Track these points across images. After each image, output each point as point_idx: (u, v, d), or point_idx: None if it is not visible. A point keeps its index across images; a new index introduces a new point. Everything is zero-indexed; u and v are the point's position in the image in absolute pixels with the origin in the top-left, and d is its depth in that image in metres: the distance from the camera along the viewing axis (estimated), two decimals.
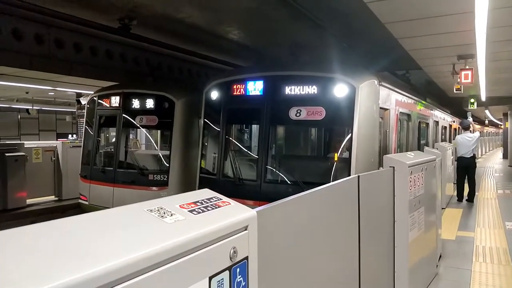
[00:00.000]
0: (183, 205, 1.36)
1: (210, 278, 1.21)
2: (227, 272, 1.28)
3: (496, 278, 4.76)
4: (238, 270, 1.34)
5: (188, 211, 1.32)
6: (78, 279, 0.81)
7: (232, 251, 1.31)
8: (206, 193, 1.56)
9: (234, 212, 1.45)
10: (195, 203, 1.41)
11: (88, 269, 0.84)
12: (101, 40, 9.70)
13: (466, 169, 9.78)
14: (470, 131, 10.18)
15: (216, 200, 1.50)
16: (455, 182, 10.63)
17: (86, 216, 1.10)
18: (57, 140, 17.33)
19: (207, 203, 1.45)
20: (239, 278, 1.35)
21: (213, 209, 1.41)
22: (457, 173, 10.04)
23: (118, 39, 9.46)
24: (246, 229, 1.42)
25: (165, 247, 1.04)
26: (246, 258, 1.40)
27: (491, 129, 53.39)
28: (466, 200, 9.83)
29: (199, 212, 1.34)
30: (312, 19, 8.07)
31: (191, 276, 1.13)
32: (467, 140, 9.71)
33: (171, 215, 1.25)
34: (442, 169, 6.32)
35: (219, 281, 1.24)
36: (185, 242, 1.11)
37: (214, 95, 6.85)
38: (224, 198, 1.55)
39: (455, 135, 18.13)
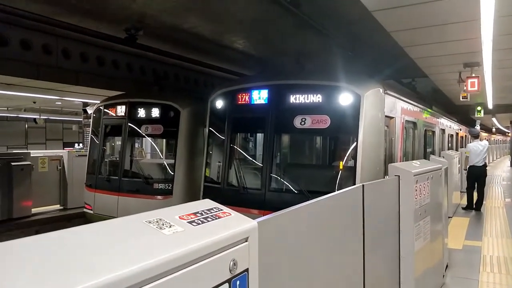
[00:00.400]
0: (183, 216, 1.35)
1: None
2: (226, 285, 1.26)
3: None
4: (238, 282, 1.32)
5: (188, 222, 1.31)
6: None
7: (232, 263, 1.29)
8: (206, 204, 1.55)
9: (235, 223, 1.43)
10: (195, 214, 1.40)
11: (80, 283, 0.82)
12: (108, 50, 9.81)
13: (477, 178, 9.71)
14: (480, 139, 10.15)
15: (216, 211, 1.49)
16: (462, 191, 10.51)
17: (82, 228, 1.09)
18: (63, 149, 17.42)
19: (207, 214, 1.43)
20: None
21: (213, 220, 1.39)
22: (468, 182, 9.95)
23: (125, 49, 9.55)
24: (246, 241, 1.40)
25: (162, 260, 1.02)
26: (247, 270, 1.38)
27: (499, 137, 53.02)
28: (473, 208, 9.72)
29: (199, 223, 1.32)
30: (317, 27, 8.09)
31: None
32: (479, 149, 9.66)
33: (170, 226, 1.23)
34: (448, 177, 6.26)
35: None
36: (183, 255, 1.10)
37: (219, 104, 6.86)
38: (225, 209, 1.53)
39: (462, 143, 18.03)
